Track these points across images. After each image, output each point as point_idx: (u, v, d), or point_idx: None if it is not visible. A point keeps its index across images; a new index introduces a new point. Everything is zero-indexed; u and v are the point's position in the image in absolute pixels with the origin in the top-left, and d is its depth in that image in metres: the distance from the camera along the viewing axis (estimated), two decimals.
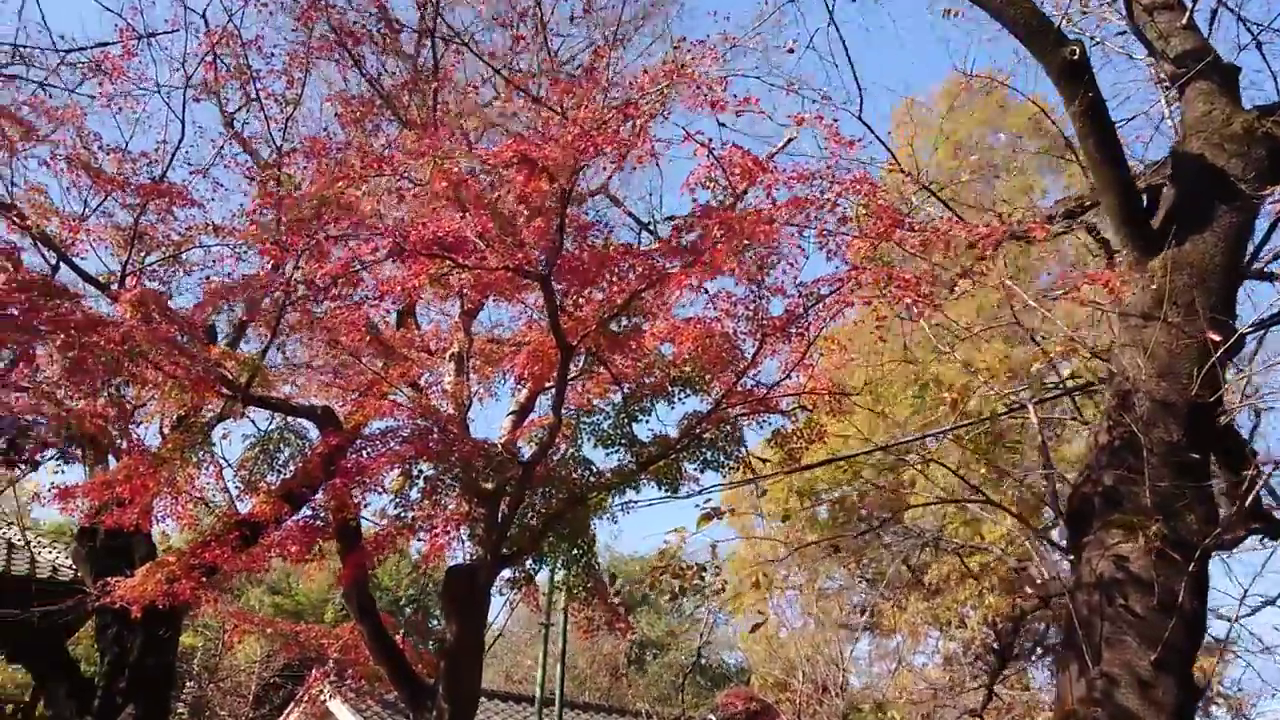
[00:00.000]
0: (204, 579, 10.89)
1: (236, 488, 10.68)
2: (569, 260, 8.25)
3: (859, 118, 8.51)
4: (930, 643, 31.17)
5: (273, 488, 10.87)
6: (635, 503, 11.16)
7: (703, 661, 37.12)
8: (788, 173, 6.67)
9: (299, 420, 11.14)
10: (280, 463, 10.72)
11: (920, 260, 6.66)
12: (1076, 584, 6.82)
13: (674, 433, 10.25)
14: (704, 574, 9.45)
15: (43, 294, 7.57)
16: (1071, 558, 7.76)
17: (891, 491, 27.49)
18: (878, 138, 8.57)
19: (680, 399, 10.50)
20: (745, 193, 6.67)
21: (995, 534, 25.21)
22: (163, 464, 9.55)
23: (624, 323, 9.01)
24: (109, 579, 10.71)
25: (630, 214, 11.57)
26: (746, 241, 6.70)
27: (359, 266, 7.25)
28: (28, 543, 14.36)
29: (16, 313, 7.17)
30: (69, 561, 15.58)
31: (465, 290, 11.26)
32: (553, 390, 11.57)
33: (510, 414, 11.87)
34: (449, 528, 10.68)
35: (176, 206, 9.52)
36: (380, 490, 9.49)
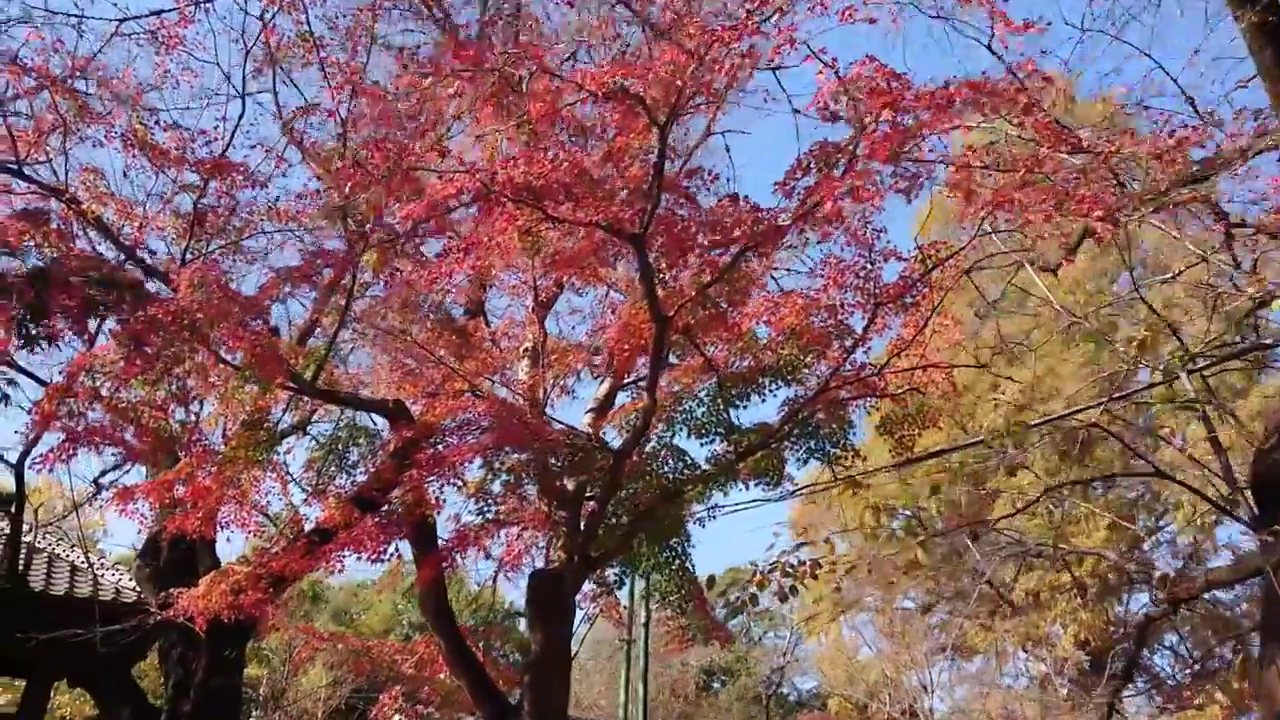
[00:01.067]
0: (271, 590, 10.10)
1: (304, 492, 9.91)
2: (665, 220, 7.36)
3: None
4: (1015, 664, 29.47)
5: (343, 492, 10.08)
6: (720, 507, 10.18)
7: (781, 690, 35.62)
8: (927, 90, 5.71)
9: (367, 420, 10.35)
10: (350, 464, 9.92)
11: (1087, 184, 5.66)
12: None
13: (773, 421, 9.27)
14: (804, 581, 8.45)
15: (94, 268, 6.89)
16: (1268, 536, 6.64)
17: (976, 502, 26.15)
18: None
19: (773, 390, 9.52)
20: (879, 118, 5.76)
21: (1090, 542, 23.65)
22: (228, 464, 8.79)
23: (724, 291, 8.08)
24: (172, 591, 9.96)
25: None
26: (898, 150, 5.74)
27: (443, 211, 6.45)
28: (89, 562, 13.74)
29: (73, 285, 6.46)
30: (133, 583, 14.96)
31: (540, 277, 10.46)
32: (636, 380, 10.67)
33: (589, 410, 10.97)
34: (530, 529, 9.80)
35: (238, 189, 8.85)
36: (460, 483, 8.62)
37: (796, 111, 7.55)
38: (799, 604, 35.89)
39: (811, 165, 6.41)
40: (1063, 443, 23.78)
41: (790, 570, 8.18)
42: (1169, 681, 26.20)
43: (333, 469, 9.78)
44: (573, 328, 12.10)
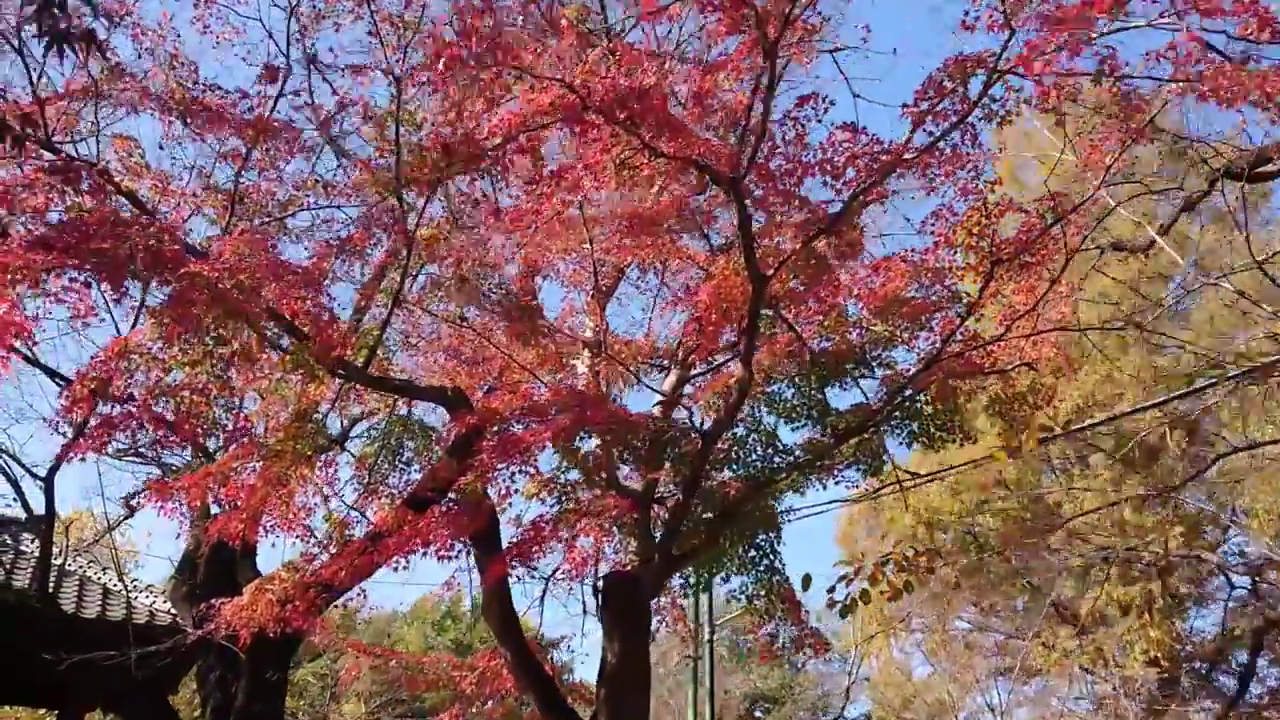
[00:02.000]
0: (320, 601, 9.19)
1: (355, 491, 9.02)
2: (763, 168, 6.48)
3: None
4: (1078, 685, 27.98)
5: (395, 493, 9.20)
6: (793, 510, 9.22)
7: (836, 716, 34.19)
8: None
9: (422, 416, 9.47)
10: (403, 461, 9.04)
11: None
12: None
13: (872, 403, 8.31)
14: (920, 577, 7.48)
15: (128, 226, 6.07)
16: None
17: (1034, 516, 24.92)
18: None
19: (871, 368, 8.58)
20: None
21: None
22: (274, 459, 7.92)
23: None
24: (213, 602, 9.09)
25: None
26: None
27: (534, 127, 5.58)
28: (123, 582, 12.89)
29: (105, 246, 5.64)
30: (167, 606, 14.08)
31: (605, 255, 9.59)
32: (708, 369, 9.76)
33: (657, 404, 10.05)
34: (592, 534, 8.86)
35: (283, 156, 8.05)
36: (532, 471, 7.70)
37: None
38: (851, 624, 34.56)
39: (946, 83, 5.52)
40: (1125, 449, 22.63)
41: (906, 563, 7.22)
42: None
43: (385, 467, 8.89)
44: (633, 320, 11.14)
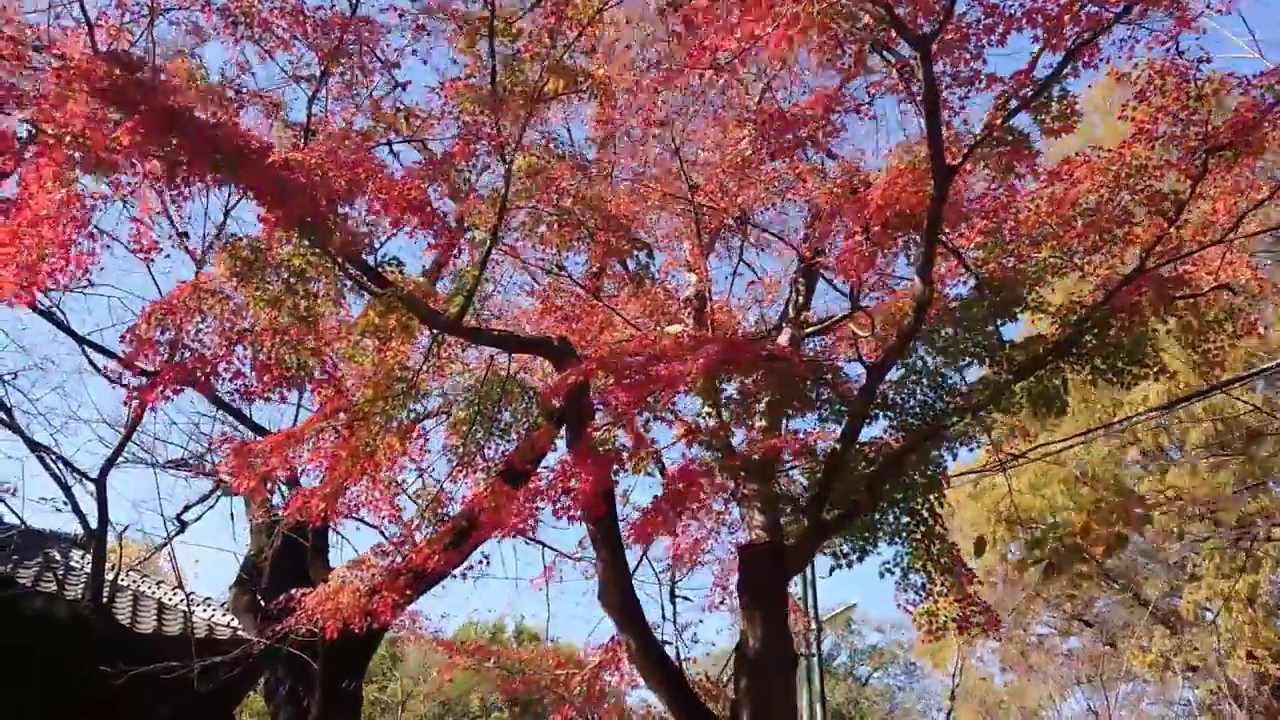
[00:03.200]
0: (410, 590, 8.01)
1: (449, 462, 7.85)
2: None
3: None
4: (1174, 689, 26.16)
5: (492, 465, 8.04)
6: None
7: None
8: None
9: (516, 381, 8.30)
10: (499, 428, 7.88)
11: None
12: None
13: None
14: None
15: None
16: None
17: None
18: None
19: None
20: None
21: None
22: (360, 421, 6.78)
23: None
24: (291, 592, 7.94)
25: None
26: None
27: None
28: (182, 588, 11.79)
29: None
30: (227, 619, 12.96)
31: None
32: (826, 323, 8.54)
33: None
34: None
35: (361, 84, 6.98)
36: (672, 417, 6.50)
37: None
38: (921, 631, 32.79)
39: None
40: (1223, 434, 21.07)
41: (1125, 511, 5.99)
42: None
43: (480, 435, 7.73)
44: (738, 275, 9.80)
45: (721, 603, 10.27)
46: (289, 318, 6.06)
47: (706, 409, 6.75)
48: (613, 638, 8.55)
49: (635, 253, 7.56)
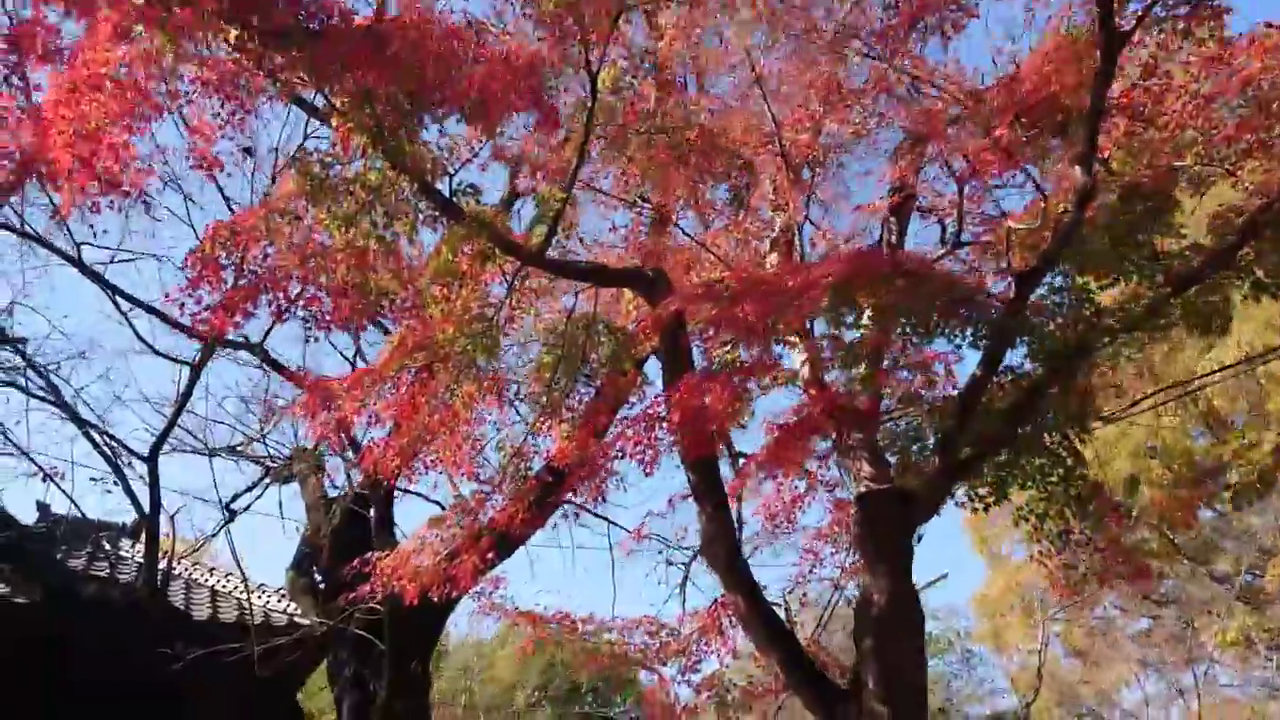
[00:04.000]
0: (492, 554, 7.32)
1: (533, 411, 7.14)
2: None
3: None
4: (1254, 669, 24.99)
5: (578, 413, 7.33)
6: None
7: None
8: None
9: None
10: (585, 373, 7.16)
11: None
12: None
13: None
14: None
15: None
16: None
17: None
18: None
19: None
20: None
21: None
22: (441, 362, 6.09)
23: None
24: (367, 556, 7.28)
25: None
26: None
27: None
28: (241, 571, 11.18)
29: None
30: (283, 605, 12.37)
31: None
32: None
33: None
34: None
35: None
36: (793, 339, 5.74)
37: None
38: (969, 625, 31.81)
39: None
40: None
41: None
42: None
43: (564, 382, 7.02)
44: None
45: (811, 570, 9.52)
46: (366, 239, 5.37)
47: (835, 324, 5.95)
48: (715, 601, 7.81)
49: (733, 174, 6.80)
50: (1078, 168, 5.16)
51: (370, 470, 6.67)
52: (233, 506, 13.80)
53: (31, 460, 10.34)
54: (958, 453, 6.20)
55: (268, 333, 8.94)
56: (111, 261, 8.90)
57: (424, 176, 5.45)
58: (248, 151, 5.54)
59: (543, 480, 7.21)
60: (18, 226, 8.33)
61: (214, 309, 4.93)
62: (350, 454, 9.29)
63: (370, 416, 6.43)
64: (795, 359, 8.07)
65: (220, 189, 8.00)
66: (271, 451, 13.89)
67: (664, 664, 8.03)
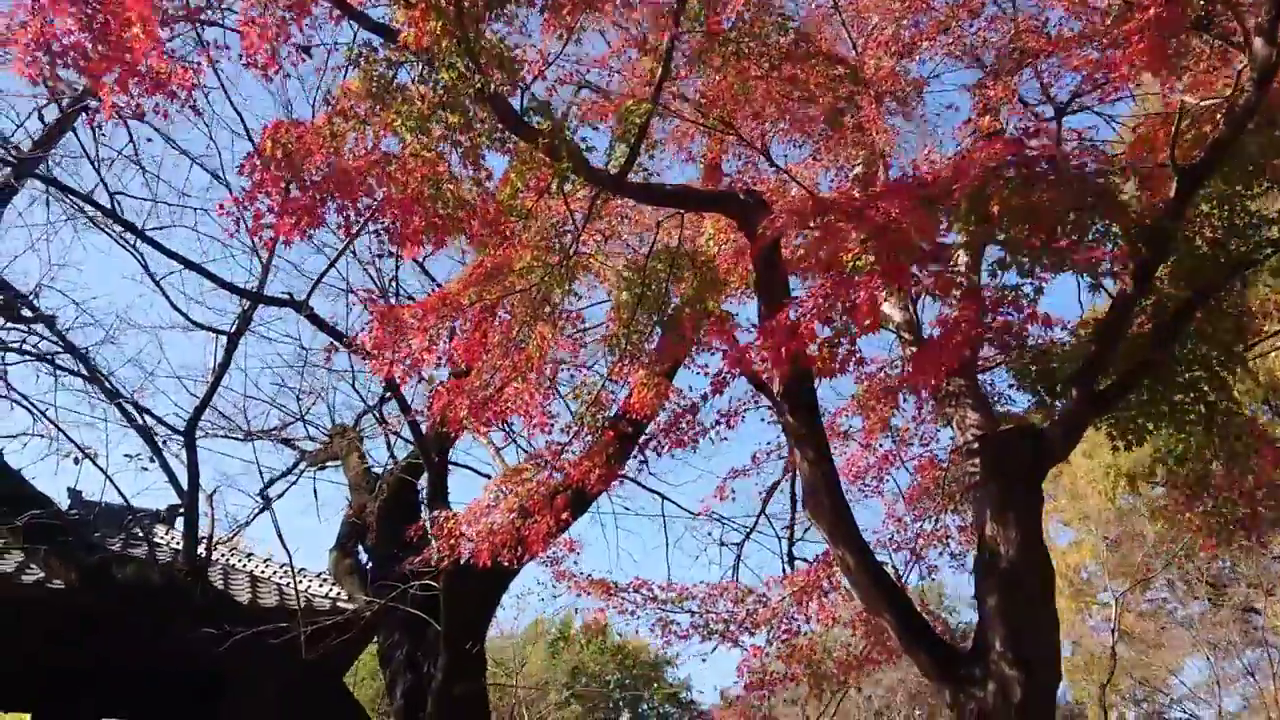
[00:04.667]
0: (567, 513, 6.66)
1: (610, 357, 6.47)
2: None
3: None
4: None
5: (655, 365, 6.66)
6: None
7: None
8: None
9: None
10: (670, 312, 6.48)
11: None
12: None
13: None
14: None
15: None
16: None
17: None
18: None
19: None
20: None
21: None
22: (514, 289, 5.44)
23: None
24: (439, 514, 6.64)
25: None
26: None
27: None
28: (288, 554, 10.55)
29: None
30: (325, 589, 11.74)
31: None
32: None
33: None
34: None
35: None
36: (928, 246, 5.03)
37: None
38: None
39: None
40: None
41: None
42: None
43: (644, 321, 6.35)
44: None
45: (891, 538, 8.82)
46: (437, 145, 4.73)
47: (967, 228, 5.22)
48: (815, 559, 7.13)
49: (832, 88, 6.11)
50: (1258, 40, 4.46)
51: (437, 419, 6.02)
52: (268, 493, 13.31)
53: (66, 436, 9.73)
54: (1096, 384, 5.50)
55: (312, 289, 8.32)
56: (142, 232, 8.28)
57: (502, 73, 4.79)
58: (305, 51, 4.87)
59: (621, 432, 6.54)
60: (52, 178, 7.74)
61: (278, 213, 4.30)
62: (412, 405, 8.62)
63: (440, 355, 5.76)
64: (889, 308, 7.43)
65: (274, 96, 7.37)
66: (311, 433, 13.37)
67: (751, 634, 7.36)
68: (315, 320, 8.02)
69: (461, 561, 8.46)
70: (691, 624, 7.46)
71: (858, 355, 4.64)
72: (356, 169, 4.53)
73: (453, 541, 6.45)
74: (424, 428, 8.20)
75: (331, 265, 7.92)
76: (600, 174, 5.71)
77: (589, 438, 6.44)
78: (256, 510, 13.14)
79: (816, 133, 6.77)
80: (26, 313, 10.33)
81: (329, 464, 13.36)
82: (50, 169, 10.00)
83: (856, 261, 4.53)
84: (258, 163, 4.37)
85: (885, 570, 6.25)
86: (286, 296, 8.21)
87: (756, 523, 9.86)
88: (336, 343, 8.38)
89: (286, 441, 14.01)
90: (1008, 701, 5.62)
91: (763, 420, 8.90)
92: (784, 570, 9.28)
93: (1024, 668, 5.61)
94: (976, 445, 6.15)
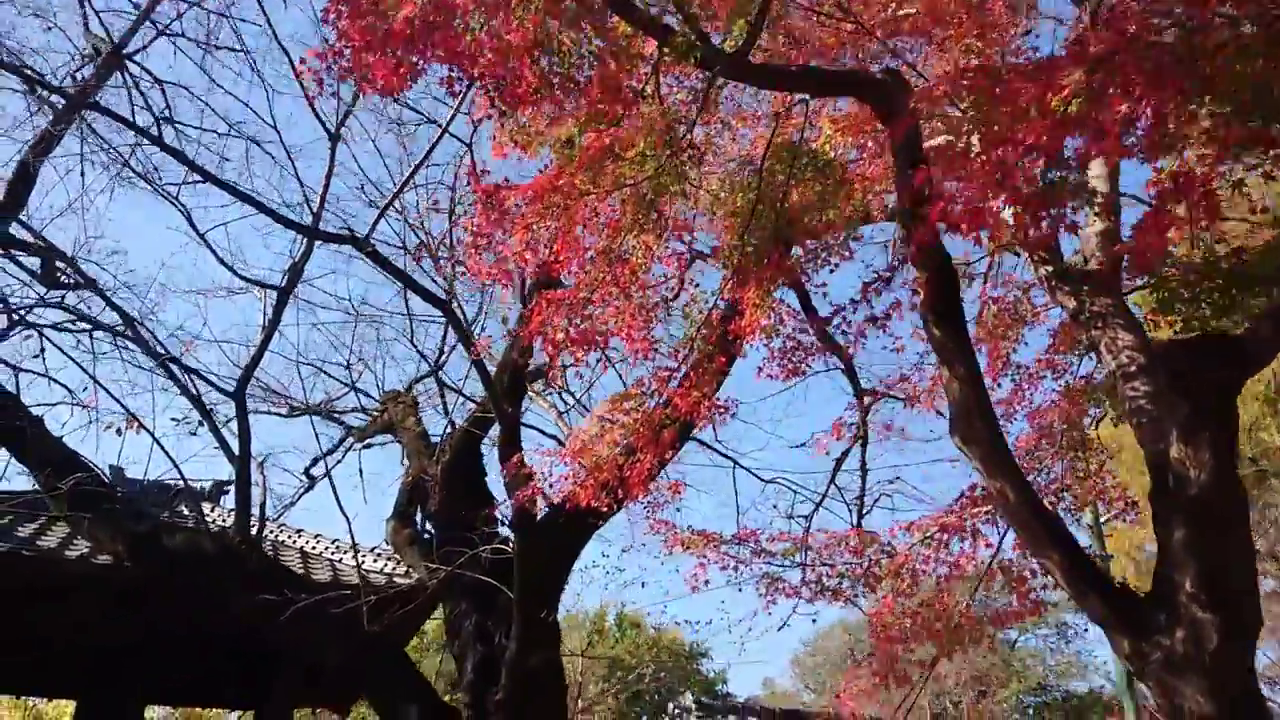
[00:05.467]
0: (671, 450, 5.89)
1: (723, 269, 5.68)
2: None
3: None
4: None
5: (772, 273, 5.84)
6: None
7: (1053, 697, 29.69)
8: None
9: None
10: (789, 217, 5.68)
11: None
12: None
13: None
14: None
15: None
16: None
17: None
18: None
19: None
20: None
21: None
22: (628, 187, 4.67)
23: None
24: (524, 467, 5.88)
25: None
26: None
27: None
28: (347, 519, 9.85)
29: None
30: (380, 564, 11.04)
31: None
32: None
33: None
34: None
35: None
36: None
37: None
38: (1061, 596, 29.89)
39: None
40: None
41: None
42: None
43: (756, 231, 5.55)
44: None
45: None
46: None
47: None
48: (961, 495, 6.31)
49: None
50: None
51: (529, 336, 5.26)
52: (312, 473, 12.66)
53: (115, 399, 9.10)
54: None
55: (376, 220, 7.57)
56: (192, 162, 7.59)
57: None
58: None
59: (733, 358, 5.76)
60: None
61: (376, 57, 3.55)
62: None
63: (540, 261, 4.99)
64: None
65: None
66: (362, 402, 12.71)
67: (872, 589, 6.54)
68: (377, 259, 7.28)
69: (539, 516, 7.73)
70: (803, 579, 6.67)
71: (1068, 223, 3.81)
72: (460, 5, 3.76)
73: (545, 483, 5.66)
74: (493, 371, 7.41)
75: (424, 158, 7.10)
76: (717, 53, 4.92)
77: (698, 365, 5.65)
78: (302, 489, 12.53)
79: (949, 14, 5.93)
80: (65, 279, 9.74)
81: (377, 438, 12.71)
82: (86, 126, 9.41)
83: (1066, 106, 3.70)
84: (342, 8, 3.62)
85: (1045, 506, 5.42)
86: (346, 232, 7.48)
87: (827, 492, 9.12)
88: (401, 280, 7.62)
89: (332, 416, 13.39)
90: (1201, 649, 4.80)
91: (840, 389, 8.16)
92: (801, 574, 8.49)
93: (1220, 610, 4.79)
94: (1145, 363, 5.31)
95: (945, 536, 6.26)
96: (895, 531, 6.62)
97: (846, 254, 5.90)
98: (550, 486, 6.14)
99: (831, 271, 6.03)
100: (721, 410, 5.78)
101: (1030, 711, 29.47)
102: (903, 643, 6.62)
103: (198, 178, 8.89)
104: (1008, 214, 4.23)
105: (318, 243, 8.94)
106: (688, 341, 5.58)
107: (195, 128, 8.06)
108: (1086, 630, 29.55)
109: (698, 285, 5.79)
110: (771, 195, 5.47)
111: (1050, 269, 6.51)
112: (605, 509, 5.83)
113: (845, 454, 8.89)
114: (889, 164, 5.52)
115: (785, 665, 37.35)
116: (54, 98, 9.16)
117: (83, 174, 9.12)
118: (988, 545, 6.32)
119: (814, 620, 20.04)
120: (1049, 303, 6.70)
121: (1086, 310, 6.29)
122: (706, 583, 6.63)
